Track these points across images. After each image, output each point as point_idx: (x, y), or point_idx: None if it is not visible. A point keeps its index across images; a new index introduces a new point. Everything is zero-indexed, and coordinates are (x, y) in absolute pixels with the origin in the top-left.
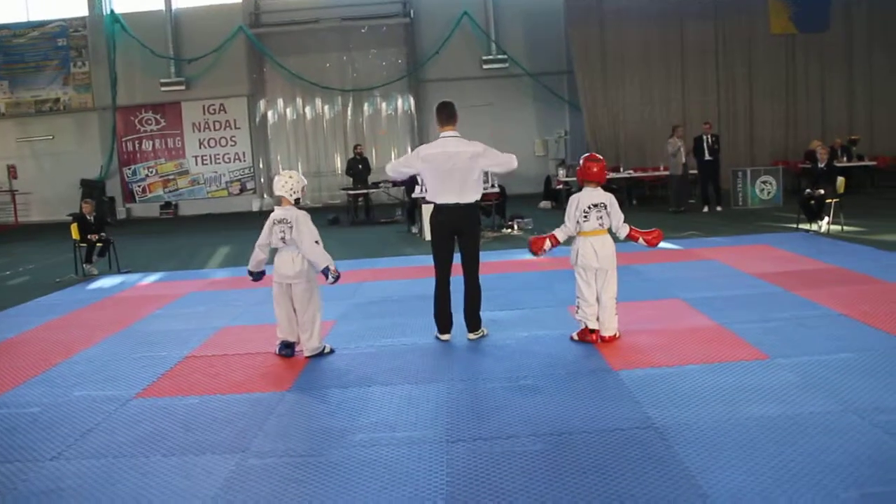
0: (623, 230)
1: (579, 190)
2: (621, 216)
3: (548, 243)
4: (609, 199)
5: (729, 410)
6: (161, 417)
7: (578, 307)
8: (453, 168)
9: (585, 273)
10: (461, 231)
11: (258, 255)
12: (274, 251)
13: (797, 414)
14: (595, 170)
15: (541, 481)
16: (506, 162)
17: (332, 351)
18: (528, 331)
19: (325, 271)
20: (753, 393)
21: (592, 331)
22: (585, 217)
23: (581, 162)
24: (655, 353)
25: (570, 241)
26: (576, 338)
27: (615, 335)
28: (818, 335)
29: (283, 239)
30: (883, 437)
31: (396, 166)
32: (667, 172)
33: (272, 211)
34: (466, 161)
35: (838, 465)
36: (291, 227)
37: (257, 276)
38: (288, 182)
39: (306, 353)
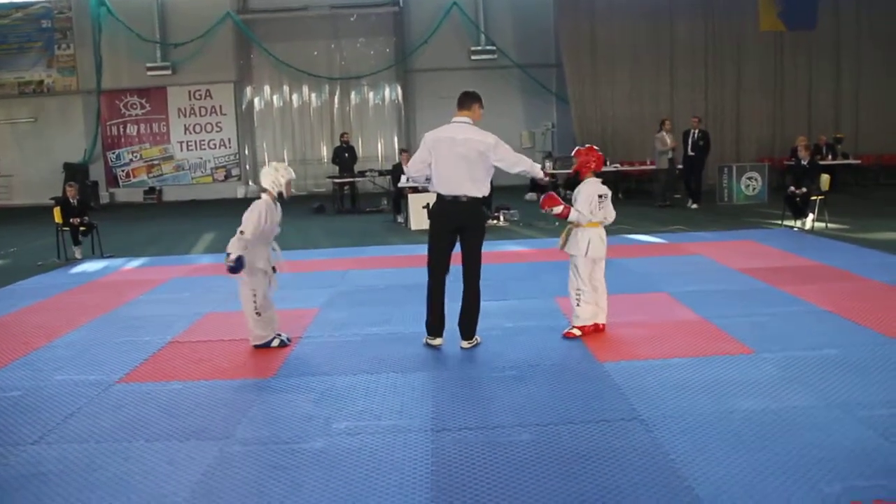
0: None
1: (576, 182)
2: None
3: (558, 209)
4: (607, 191)
5: (714, 403)
6: (144, 403)
7: (579, 303)
8: (460, 156)
9: (591, 264)
10: (464, 227)
11: None
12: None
13: (781, 408)
14: (600, 161)
15: (526, 471)
16: (516, 162)
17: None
18: (513, 321)
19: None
20: (738, 387)
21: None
22: (600, 207)
23: (589, 153)
24: (641, 346)
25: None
26: (577, 333)
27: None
28: (802, 331)
29: None
30: (865, 432)
31: (415, 167)
32: (653, 167)
33: (258, 198)
34: (476, 152)
35: (821, 459)
36: None
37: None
38: (272, 175)
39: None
